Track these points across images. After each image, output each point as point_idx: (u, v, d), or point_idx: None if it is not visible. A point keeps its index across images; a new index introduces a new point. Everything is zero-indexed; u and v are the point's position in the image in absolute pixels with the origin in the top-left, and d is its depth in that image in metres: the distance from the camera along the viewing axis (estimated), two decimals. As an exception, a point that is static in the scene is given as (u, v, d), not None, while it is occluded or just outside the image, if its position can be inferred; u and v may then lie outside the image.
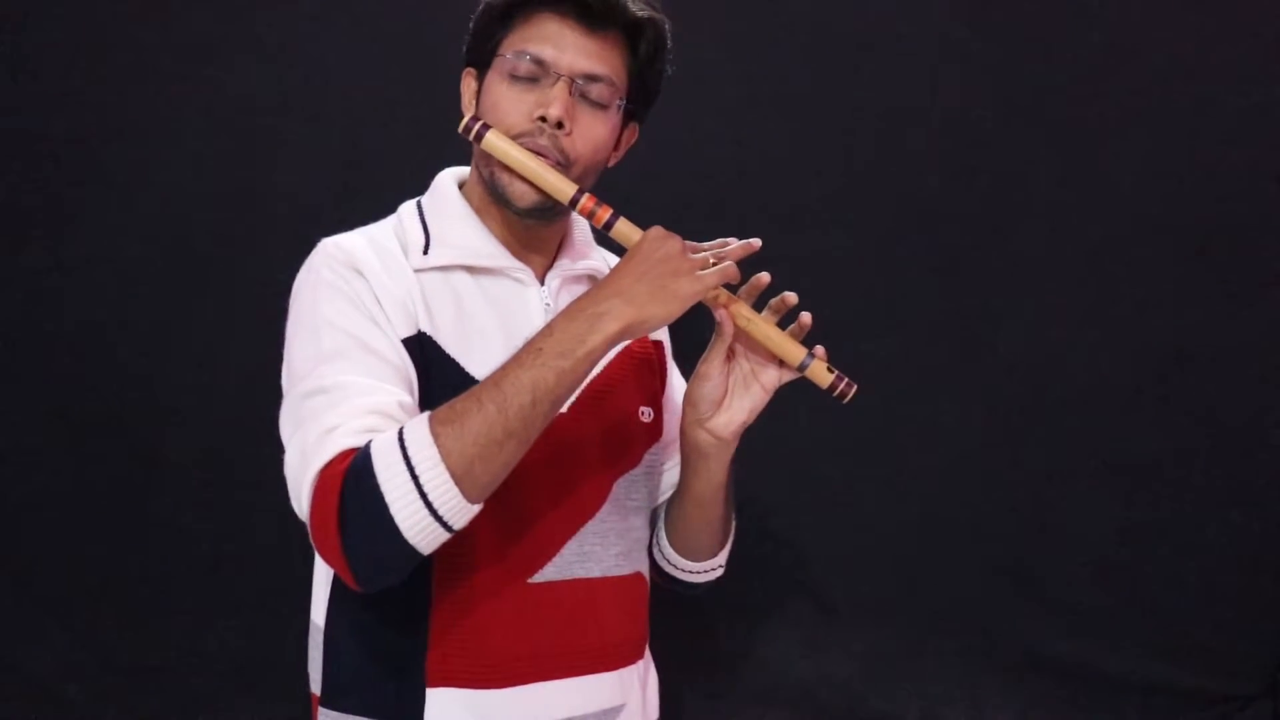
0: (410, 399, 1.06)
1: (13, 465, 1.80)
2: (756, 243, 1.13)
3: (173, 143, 1.80)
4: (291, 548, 1.71)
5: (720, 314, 1.13)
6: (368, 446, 0.99)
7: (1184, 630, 1.85)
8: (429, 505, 0.97)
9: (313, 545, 1.02)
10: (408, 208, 1.23)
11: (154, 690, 1.79)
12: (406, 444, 0.98)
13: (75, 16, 1.78)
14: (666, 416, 1.33)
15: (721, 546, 1.33)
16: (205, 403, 1.80)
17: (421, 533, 0.98)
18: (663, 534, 1.31)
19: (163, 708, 1.79)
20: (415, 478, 0.96)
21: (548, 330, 1.03)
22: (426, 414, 1.00)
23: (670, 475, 1.33)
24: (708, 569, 1.34)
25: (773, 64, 1.84)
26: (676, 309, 1.05)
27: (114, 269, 1.80)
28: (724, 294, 1.12)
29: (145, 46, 1.79)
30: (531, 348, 1.02)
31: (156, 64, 1.79)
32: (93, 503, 1.80)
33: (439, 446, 0.97)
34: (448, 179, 1.24)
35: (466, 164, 1.27)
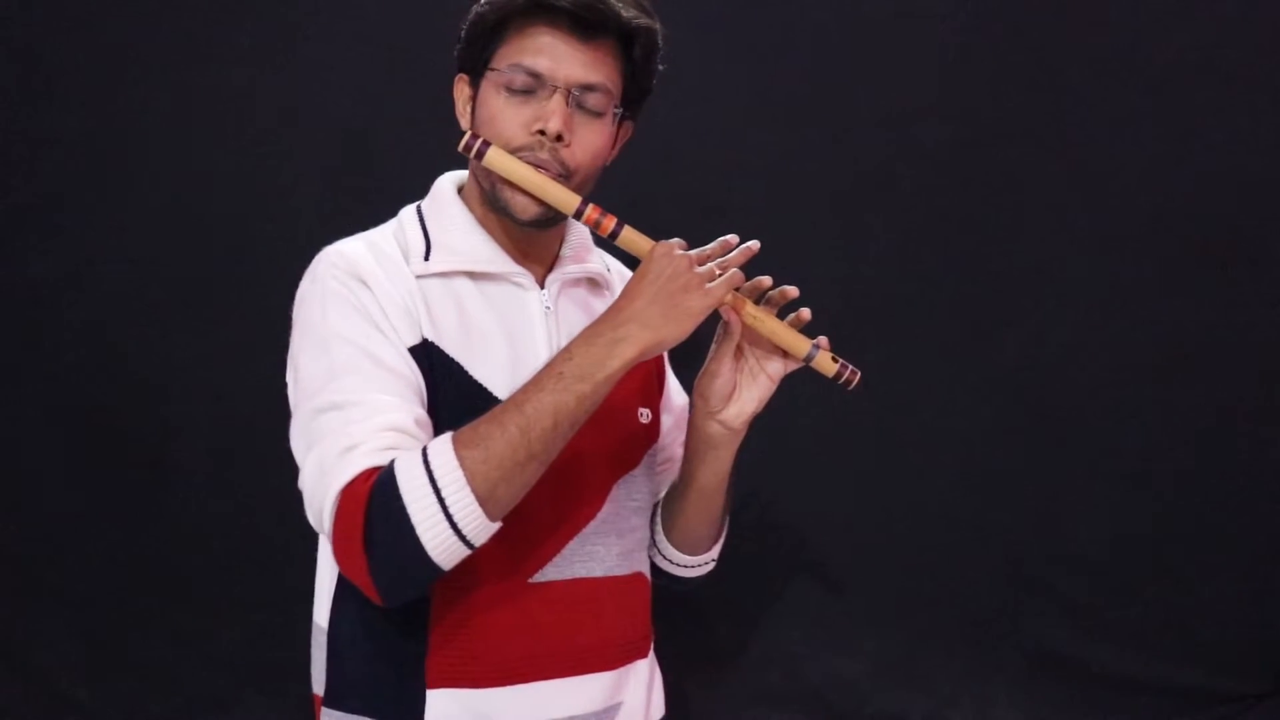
0: (423, 413, 1.08)
1: (23, 468, 1.81)
2: (755, 245, 1.14)
3: (179, 146, 1.81)
4: (298, 550, 1.73)
5: (727, 314, 1.15)
6: (392, 466, 1.01)
7: (1192, 629, 1.85)
8: (454, 525, 1.00)
9: (335, 560, 1.04)
10: (408, 213, 1.23)
11: (163, 691, 1.80)
12: (432, 466, 1.00)
13: (87, 20, 1.80)
14: (663, 416, 1.34)
15: (717, 540, 1.35)
16: (214, 406, 1.81)
17: (445, 551, 1.01)
18: (659, 529, 1.32)
19: (172, 709, 1.80)
20: (441, 499, 0.99)
21: (567, 354, 1.06)
22: (449, 435, 1.03)
23: (667, 473, 1.34)
24: (701, 563, 1.35)
25: (778, 62, 1.84)
26: (690, 326, 1.08)
27: (123, 272, 1.81)
28: (729, 294, 1.13)
29: (154, 50, 1.81)
30: (552, 371, 1.04)
31: (163, 67, 1.81)
32: (101, 505, 1.81)
33: (464, 469, 1.00)
34: (447, 184, 1.24)
35: (466, 168, 1.27)
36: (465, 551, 1.02)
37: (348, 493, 1.01)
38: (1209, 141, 1.83)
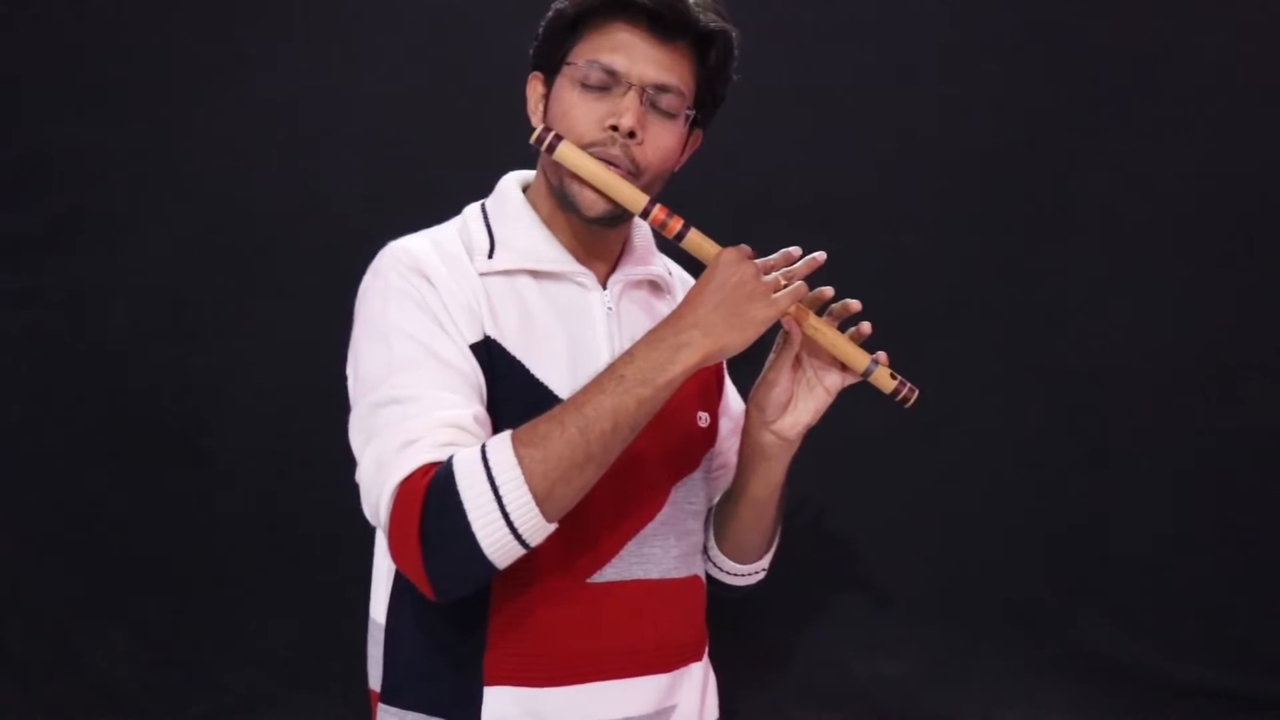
0: (483, 411, 1.08)
1: (69, 467, 1.82)
2: (821, 256, 1.15)
3: (220, 147, 1.82)
4: (345, 546, 1.74)
5: (788, 324, 1.14)
6: (450, 462, 1.01)
7: (1244, 634, 1.82)
8: (510, 524, 1.00)
9: (390, 554, 1.05)
10: (472, 210, 1.23)
11: (210, 687, 1.81)
12: (490, 464, 1.00)
13: (121, 29, 1.81)
14: (721, 421, 1.34)
15: (768, 549, 1.34)
16: (256, 404, 1.82)
17: (501, 550, 1.01)
18: (710, 537, 1.32)
19: (219, 705, 1.81)
20: (499, 497, 0.99)
21: (629, 357, 1.06)
22: (508, 433, 1.03)
23: (721, 479, 1.33)
24: (752, 572, 1.35)
25: (821, 58, 1.83)
26: (753, 335, 1.08)
27: (164, 274, 1.82)
28: (793, 305, 1.13)
29: (195, 52, 1.82)
30: (613, 374, 1.04)
31: (202, 68, 1.82)
32: (146, 503, 1.82)
33: (523, 468, 1.00)
34: (511, 182, 1.24)
35: (517, 167, 1.27)
36: (521, 550, 1.02)
37: (405, 487, 1.01)
38: (1260, 141, 1.80)
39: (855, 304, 1.16)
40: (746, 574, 1.34)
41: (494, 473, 0.99)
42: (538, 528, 1.01)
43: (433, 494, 1.00)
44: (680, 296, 1.30)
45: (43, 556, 1.82)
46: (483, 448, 1.01)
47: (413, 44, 1.82)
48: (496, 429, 1.08)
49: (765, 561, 1.35)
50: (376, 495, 1.03)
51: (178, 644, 1.81)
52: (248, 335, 1.82)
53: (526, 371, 1.12)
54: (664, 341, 1.06)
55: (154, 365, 1.82)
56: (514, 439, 1.01)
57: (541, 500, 1.00)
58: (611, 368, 1.05)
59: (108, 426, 1.83)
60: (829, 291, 1.16)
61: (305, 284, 1.80)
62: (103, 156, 1.82)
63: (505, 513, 0.99)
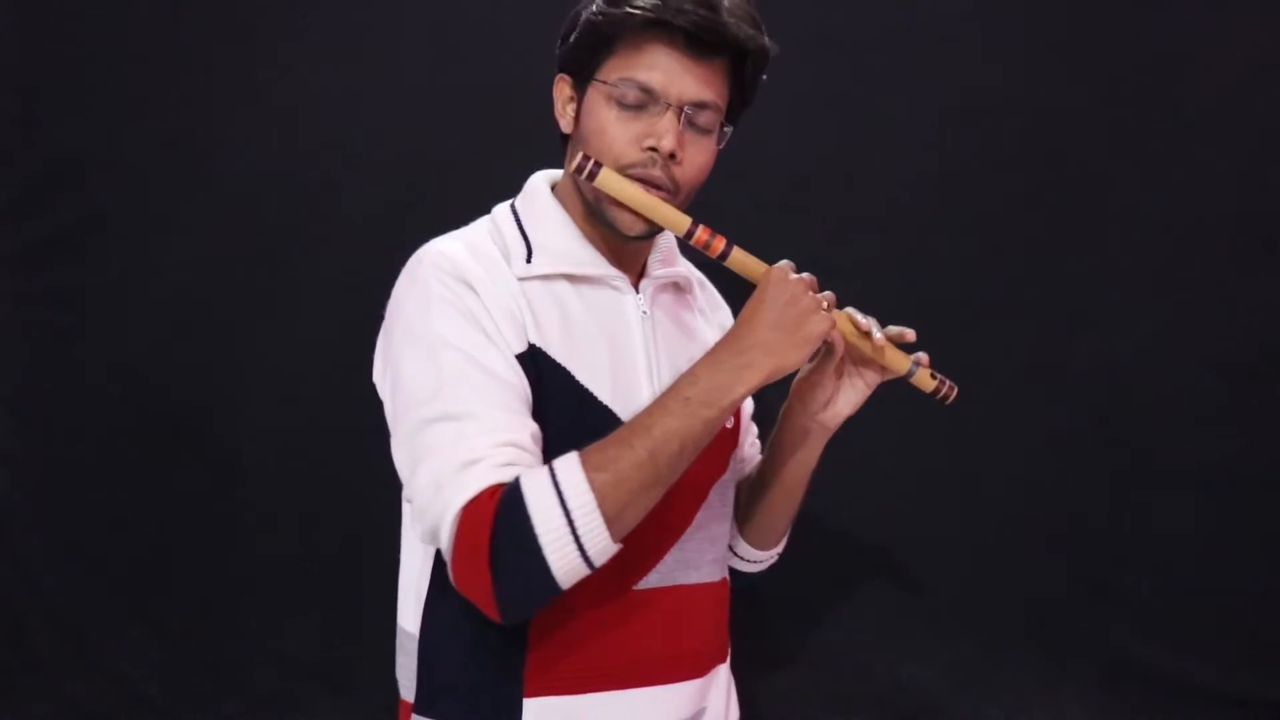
0: (536, 426, 1.07)
1: (97, 473, 1.83)
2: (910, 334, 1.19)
3: (241, 151, 1.83)
4: (368, 550, 1.74)
5: (834, 335, 1.14)
6: (518, 484, 1.00)
7: (1267, 637, 1.82)
8: (580, 547, 1.00)
9: (453, 576, 1.03)
10: (502, 212, 1.21)
11: (233, 690, 1.82)
12: (561, 486, 1.00)
13: (138, 34, 1.82)
14: (743, 420, 1.36)
15: (784, 535, 1.37)
16: (281, 407, 1.82)
17: (570, 571, 1.01)
18: (732, 526, 1.33)
19: (241, 707, 1.81)
20: (570, 521, 0.99)
21: (692, 378, 1.06)
22: (576, 455, 1.02)
23: (741, 474, 1.35)
24: (767, 558, 1.38)
25: (847, 59, 1.83)
26: (810, 351, 1.09)
27: (185, 278, 1.83)
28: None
29: (213, 57, 1.82)
30: (678, 395, 1.05)
31: (220, 73, 1.82)
32: (173, 507, 1.83)
33: (595, 492, 1.00)
34: (541, 182, 1.22)
35: (537, 166, 1.25)
36: (587, 571, 1.02)
37: (471, 510, 1.00)
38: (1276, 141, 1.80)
39: (910, 334, 1.18)
40: (761, 560, 1.37)
41: (565, 496, 0.99)
42: (606, 549, 1.02)
43: (502, 517, 0.99)
44: (699, 296, 1.32)
45: (67, 559, 1.83)
46: (551, 470, 1.01)
47: (428, 45, 1.82)
48: (545, 439, 1.07)
49: (780, 547, 1.38)
50: (437, 517, 1.02)
51: (201, 645, 1.82)
52: (267, 337, 1.82)
53: (572, 378, 1.12)
54: (726, 363, 1.06)
55: (179, 370, 1.83)
56: (583, 462, 1.01)
57: (612, 522, 1.00)
58: (675, 389, 1.05)
59: (131, 428, 1.83)
60: (860, 319, 1.17)
61: (324, 286, 1.81)
62: (120, 162, 1.83)
63: (576, 535, 0.99)
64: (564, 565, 1.00)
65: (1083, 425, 1.84)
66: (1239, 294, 1.82)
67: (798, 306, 1.07)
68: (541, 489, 1.00)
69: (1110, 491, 1.84)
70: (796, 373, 1.21)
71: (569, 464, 1.01)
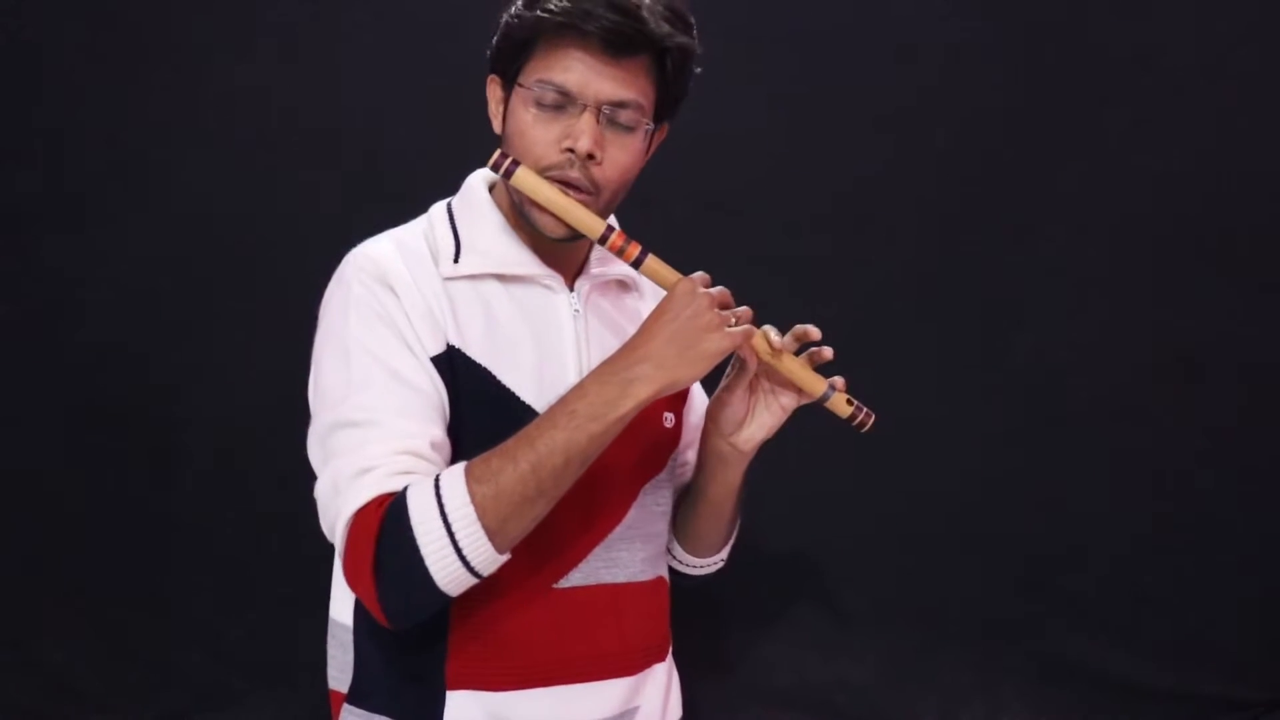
0: (441, 434, 1.07)
1: (33, 466, 1.81)
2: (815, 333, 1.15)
3: (193, 147, 1.81)
4: (306, 547, 1.72)
5: (744, 352, 1.14)
6: (404, 497, 1.01)
7: (1205, 635, 1.85)
8: (462, 557, 1.00)
9: (344, 579, 1.05)
10: (438, 211, 1.21)
11: (171, 684, 1.80)
12: (444, 499, 1.00)
13: (107, 21, 1.80)
14: (686, 419, 1.34)
15: (726, 544, 1.35)
16: (221, 405, 1.82)
17: (453, 581, 1.02)
18: (670, 532, 1.32)
19: (179, 701, 1.80)
20: (451, 534, 1.00)
21: (580, 391, 1.05)
22: (462, 467, 1.02)
23: (682, 477, 1.34)
24: (711, 564, 1.36)
25: (785, 61, 1.84)
26: (706, 368, 1.07)
27: (135, 271, 1.81)
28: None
29: (167, 46, 1.81)
30: (565, 408, 1.04)
31: (176, 63, 1.81)
32: (113, 501, 1.82)
33: (475, 504, 1.00)
34: (478, 181, 1.22)
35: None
36: (473, 581, 1.03)
37: (360, 518, 1.01)
38: (1232, 144, 1.83)
39: (815, 331, 1.15)
40: (705, 565, 1.35)
41: (446, 508, 1.00)
42: (490, 560, 1.02)
43: (387, 527, 1.00)
44: (647, 293, 1.30)
45: (1, 550, 1.81)
46: (436, 481, 1.01)
47: (391, 41, 1.81)
48: (465, 438, 1.08)
49: (724, 554, 1.37)
50: (332, 519, 1.04)
51: (139, 640, 1.81)
52: (212, 336, 1.81)
53: (493, 378, 1.11)
54: (615, 376, 1.05)
55: (121, 366, 1.82)
56: (467, 473, 1.02)
57: (494, 534, 1.00)
58: (564, 401, 1.05)
59: (71, 423, 1.82)
60: (775, 337, 1.15)
61: (280, 284, 1.78)
62: (75, 153, 1.80)
63: (457, 546, 1.00)
64: (446, 575, 1.00)
65: (1021, 424, 1.86)
66: (1174, 292, 1.85)
67: (698, 322, 1.06)
68: (424, 501, 1.00)
69: (1046, 487, 1.86)
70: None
71: (453, 476, 1.02)
